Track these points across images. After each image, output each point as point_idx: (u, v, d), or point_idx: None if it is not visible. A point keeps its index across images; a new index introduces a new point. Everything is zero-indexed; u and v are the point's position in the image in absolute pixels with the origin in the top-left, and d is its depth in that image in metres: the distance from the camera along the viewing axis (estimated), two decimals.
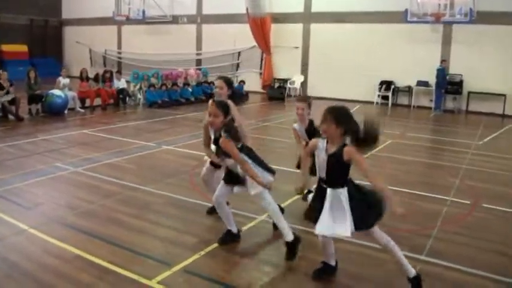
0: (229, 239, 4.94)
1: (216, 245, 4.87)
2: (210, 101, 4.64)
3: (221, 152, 4.57)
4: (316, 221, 3.94)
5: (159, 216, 5.70)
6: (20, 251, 4.62)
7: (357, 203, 3.89)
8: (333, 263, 4.34)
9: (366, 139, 3.72)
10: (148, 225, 5.39)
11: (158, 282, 4.05)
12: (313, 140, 4.06)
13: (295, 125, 5.86)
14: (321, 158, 3.91)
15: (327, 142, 3.88)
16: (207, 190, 5.67)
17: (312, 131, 5.61)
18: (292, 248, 4.64)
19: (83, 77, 15.16)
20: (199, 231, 5.25)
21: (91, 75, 16.23)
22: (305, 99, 5.97)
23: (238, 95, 5.48)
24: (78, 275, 4.17)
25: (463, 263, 4.62)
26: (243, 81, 19.62)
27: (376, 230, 4.03)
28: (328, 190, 3.90)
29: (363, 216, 3.91)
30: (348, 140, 3.82)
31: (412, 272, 4.02)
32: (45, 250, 4.66)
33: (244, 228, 5.30)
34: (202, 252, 4.69)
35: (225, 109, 4.53)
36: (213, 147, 4.77)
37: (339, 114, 3.79)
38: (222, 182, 4.86)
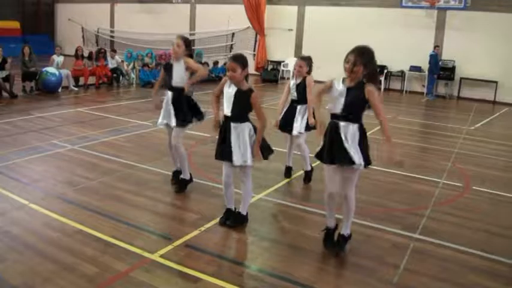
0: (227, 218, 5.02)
1: (216, 221, 4.97)
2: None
3: (235, 103, 4.62)
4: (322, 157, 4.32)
5: (158, 193, 5.79)
6: (21, 224, 4.69)
7: (362, 141, 4.26)
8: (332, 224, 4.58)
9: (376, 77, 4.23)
10: (148, 202, 5.47)
11: (161, 256, 4.16)
12: (329, 80, 4.30)
13: (291, 81, 6.51)
14: (338, 93, 4.17)
15: (343, 81, 4.21)
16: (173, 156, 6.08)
17: (302, 87, 6.31)
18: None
19: (79, 55, 15.04)
20: (198, 208, 5.34)
21: (84, 53, 16.12)
22: (306, 58, 6.59)
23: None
24: (81, 248, 4.25)
25: (454, 241, 4.79)
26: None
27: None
28: (341, 123, 4.18)
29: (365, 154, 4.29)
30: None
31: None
32: (47, 224, 4.73)
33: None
34: (203, 228, 4.79)
35: (242, 61, 4.60)
36: (230, 101, 4.69)
37: (369, 58, 4.08)
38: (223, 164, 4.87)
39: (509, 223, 5.47)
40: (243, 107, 4.63)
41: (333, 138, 4.21)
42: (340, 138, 4.16)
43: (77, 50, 15.26)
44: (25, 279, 3.69)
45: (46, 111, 10.64)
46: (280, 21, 20.79)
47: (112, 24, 26.65)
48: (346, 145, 4.14)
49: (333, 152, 4.21)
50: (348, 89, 4.13)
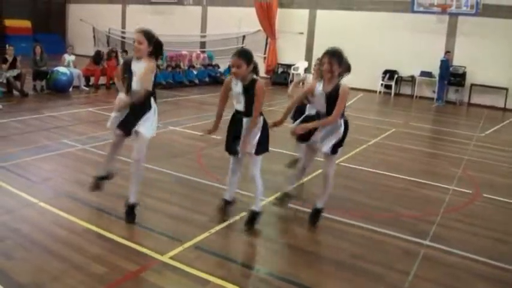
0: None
1: (225, 224, 4.98)
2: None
3: (246, 98, 4.61)
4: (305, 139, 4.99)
5: (168, 194, 5.79)
6: (30, 222, 4.70)
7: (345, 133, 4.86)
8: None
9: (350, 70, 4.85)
10: (157, 203, 5.48)
11: (170, 258, 4.15)
12: (312, 83, 5.02)
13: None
14: (318, 97, 4.82)
15: (324, 82, 4.79)
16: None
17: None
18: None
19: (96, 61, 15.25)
20: (208, 210, 5.33)
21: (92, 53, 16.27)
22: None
23: (159, 48, 4.91)
24: (90, 247, 4.26)
25: (464, 249, 4.75)
26: None
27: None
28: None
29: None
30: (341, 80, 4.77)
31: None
32: (56, 223, 4.74)
33: (252, 208, 5.36)
34: (213, 231, 4.78)
35: (247, 57, 4.54)
36: (239, 98, 4.69)
37: (341, 57, 4.74)
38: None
39: None
40: (253, 100, 4.59)
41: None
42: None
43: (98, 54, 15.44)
44: (33, 278, 3.70)
45: (57, 111, 10.70)
46: (291, 25, 20.77)
47: (123, 25, 26.75)
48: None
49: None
50: (327, 95, 4.74)
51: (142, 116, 4.78)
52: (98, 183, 5.30)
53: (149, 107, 4.80)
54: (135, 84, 4.73)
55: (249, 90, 4.57)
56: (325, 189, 5.08)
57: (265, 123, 4.75)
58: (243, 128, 4.67)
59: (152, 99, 4.81)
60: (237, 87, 4.65)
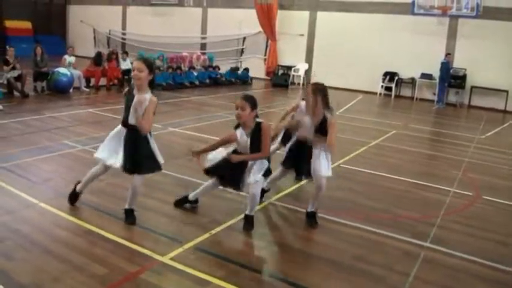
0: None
1: (226, 225, 4.98)
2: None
3: (253, 145, 4.70)
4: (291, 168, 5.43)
5: (168, 195, 5.77)
6: (31, 223, 4.70)
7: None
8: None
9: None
10: (157, 204, 5.48)
11: (171, 259, 4.15)
12: (295, 120, 5.29)
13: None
14: (309, 128, 5.06)
15: (311, 115, 5.02)
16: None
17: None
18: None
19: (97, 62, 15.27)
20: (208, 212, 5.34)
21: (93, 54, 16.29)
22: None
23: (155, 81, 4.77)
24: (91, 248, 4.27)
25: (464, 251, 4.75)
26: (246, 69, 20.10)
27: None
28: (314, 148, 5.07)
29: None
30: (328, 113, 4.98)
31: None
32: (56, 223, 4.75)
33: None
34: (213, 232, 4.79)
35: (252, 101, 4.63)
36: (246, 149, 4.80)
37: (325, 91, 5.05)
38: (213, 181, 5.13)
39: None
40: (260, 141, 4.69)
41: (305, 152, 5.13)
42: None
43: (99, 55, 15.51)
44: (34, 278, 3.69)
45: (57, 111, 10.70)
46: (291, 26, 20.79)
47: (124, 27, 26.79)
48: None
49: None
50: (315, 128, 5.02)
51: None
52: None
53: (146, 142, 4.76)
54: (131, 118, 4.61)
55: (256, 137, 4.67)
56: (317, 196, 5.20)
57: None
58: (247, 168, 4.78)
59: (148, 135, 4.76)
60: (243, 138, 4.75)
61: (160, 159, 4.90)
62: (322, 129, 4.99)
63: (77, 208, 5.17)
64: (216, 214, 5.26)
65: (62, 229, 4.63)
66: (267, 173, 4.82)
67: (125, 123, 4.70)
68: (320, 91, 5.02)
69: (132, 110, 4.56)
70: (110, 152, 4.79)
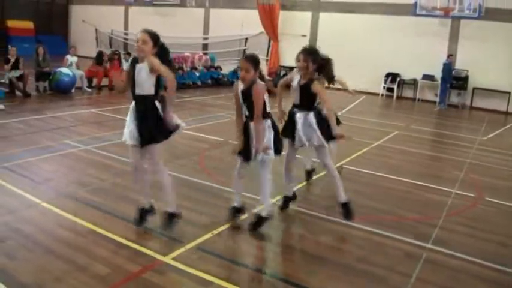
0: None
1: (228, 225, 4.97)
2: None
3: (247, 102, 4.62)
4: (290, 137, 5.24)
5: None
6: (33, 223, 4.71)
7: (320, 122, 5.11)
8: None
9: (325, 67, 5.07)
10: (160, 204, 5.45)
11: (173, 259, 4.15)
12: (291, 73, 5.33)
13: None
14: (295, 88, 5.14)
15: (301, 76, 5.08)
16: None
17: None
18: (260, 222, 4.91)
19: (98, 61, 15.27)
20: (211, 212, 5.34)
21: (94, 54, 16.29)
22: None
23: (166, 53, 4.58)
24: (93, 248, 4.26)
25: (466, 252, 4.74)
26: None
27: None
28: (298, 113, 5.16)
29: (326, 132, 5.11)
30: (316, 75, 5.05)
31: (343, 198, 5.18)
32: (59, 224, 4.75)
33: (255, 210, 5.30)
34: (215, 232, 4.78)
35: (256, 62, 4.54)
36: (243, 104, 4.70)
37: (315, 54, 5.01)
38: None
39: None
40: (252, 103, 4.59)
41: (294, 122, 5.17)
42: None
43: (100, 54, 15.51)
44: (36, 278, 3.70)
45: (59, 111, 10.70)
46: (293, 27, 20.77)
47: (126, 27, 26.79)
48: (298, 127, 5.13)
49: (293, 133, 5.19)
50: (301, 87, 5.07)
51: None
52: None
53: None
54: (139, 87, 4.45)
55: (248, 95, 4.56)
56: (334, 181, 5.21)
57: (274, 125, 4.75)
58: (250, 133, 4.66)
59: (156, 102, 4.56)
60: (240, 89, 4.67)
61: (178, 121, 4.60)
62: (306, 93, 5.06)
63: (78, 208, 5.17)
64: (217, 214, 5.24)
65: (64, 229, 4.63)
66: (277, 150, 4.72)
67: (133, 96, 4.56)
68: (310, 54, 5.00)
69: (138, 78, 4.39)
70: (130, 134, 4.66)
